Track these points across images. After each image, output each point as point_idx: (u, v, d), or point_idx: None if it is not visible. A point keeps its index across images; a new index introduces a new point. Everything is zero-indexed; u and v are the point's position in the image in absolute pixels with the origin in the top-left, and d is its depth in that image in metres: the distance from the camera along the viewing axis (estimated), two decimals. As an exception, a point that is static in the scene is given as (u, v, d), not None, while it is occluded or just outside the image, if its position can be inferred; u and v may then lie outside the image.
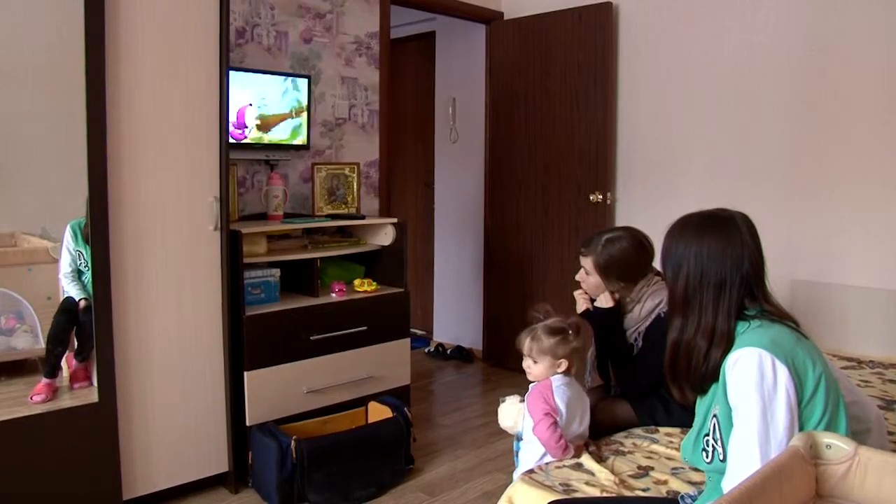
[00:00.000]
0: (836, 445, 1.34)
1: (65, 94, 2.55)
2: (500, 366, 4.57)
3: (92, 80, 2.35)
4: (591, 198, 4.08)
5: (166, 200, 2.59)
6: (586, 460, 2.00)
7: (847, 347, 3.17)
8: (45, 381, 2.49)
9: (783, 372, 1.38)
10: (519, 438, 2.21)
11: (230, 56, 2.80)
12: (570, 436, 2.09)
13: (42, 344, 2.60)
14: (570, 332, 2.15)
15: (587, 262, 2.38)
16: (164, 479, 2.66)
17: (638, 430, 2.27)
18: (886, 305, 3.12)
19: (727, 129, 3.65)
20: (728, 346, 1.46)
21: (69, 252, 2.57)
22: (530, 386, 2.18)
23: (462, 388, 4.27)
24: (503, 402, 2.26)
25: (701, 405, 1.57)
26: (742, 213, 1.56)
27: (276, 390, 2.89)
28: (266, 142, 3.28)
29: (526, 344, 2.16)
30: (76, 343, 2.62)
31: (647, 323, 2.34)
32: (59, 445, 2.37)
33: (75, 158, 2.38)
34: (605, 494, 1.81)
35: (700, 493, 1.67)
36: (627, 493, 1.83)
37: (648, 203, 3.94)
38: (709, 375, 1.49)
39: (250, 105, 3.19)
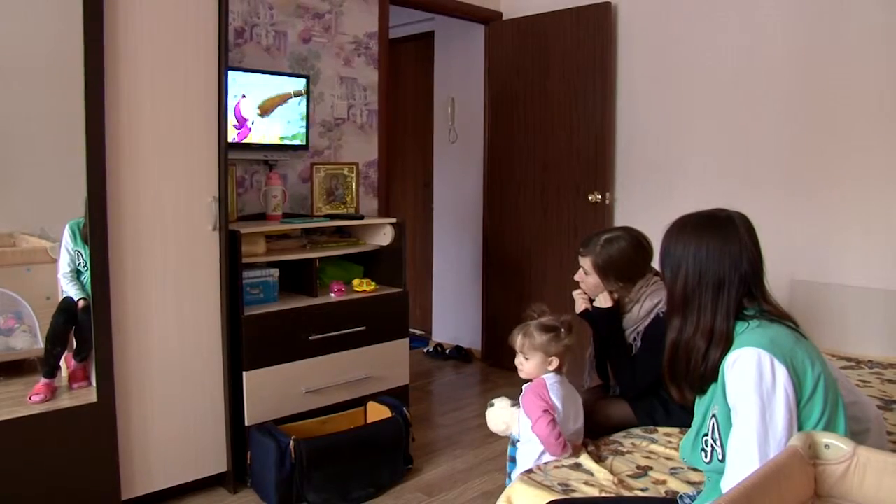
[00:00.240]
0: (834, 445, 1.34)
1: (63, 94, 2.55)
2: (498, 366, 4.57)
3: (91, 80, 2.34)
4: (590, 198, 4.08)
5: (165, 201, 2.58)
6: (585, 460, 2.00)
7: (846, 347, 3.17)
8: (43, 381, 2.49)
9: (782, 372, 1.38)
10: (514, 442, 2.21)
11: (229, 56, 2.79)
12: (567, 433, 2.09)
13: (41, 344, 2.60)
14: (563, 329, 2.15)
15: (586, 263, 2.39)
16: (163, 478, 2.66)
17: (637, 430, 2.27)
18: (885, 305, 3.12)
19: (726, 128, 3.65)
20: (727, 346, 1.46)
21: (68, 252, 2.57)
22: (524, 387, 2.18)
23: (461, 388, 4.27)
24: (492, 405, 2.27)
25: (700, 405, 1.58)
26: (741, 213, 1.56)
27: (274, 390, 2.89)
28: (266, 142, 3.28)
29: (518, 340, 2.17)
30: (75, 343, 2.61)
31: (646, 323, 2.34)
32: (57, 445, 2.36)
33: (74, 158, 2.38)
34: (603, 494, 1.81)
35: (699, 493, 1.67)
36: (626, 493, 1.83)
37: (647, 203, 3.94)
38: (708, 375, 1.49)
39: (244, 97, 3.17)
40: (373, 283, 3.31)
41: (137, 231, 2.52)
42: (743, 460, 1.38)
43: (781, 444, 1.36)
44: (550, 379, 2.14)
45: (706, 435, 1.52)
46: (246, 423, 2.81)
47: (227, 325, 2.75)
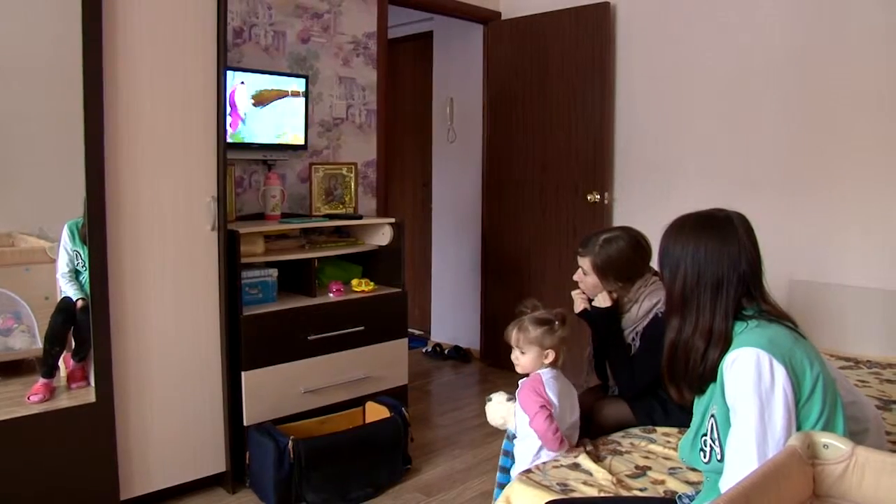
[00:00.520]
0: (833, 445, 1.34)
1: (62, 94, 2.55)
2: (497, 365, 4.57)
3: (89, 79, 2.34)
4: (589, 198, 4.08)
5: (164, 201, 2.58)
6: (584, 460, 2.00)
7: (844, 347, 3.17)
8: (42, 381, 2.49)
9: (781, 372, 1.38)
10: (510, 437, 2.22)
11: (227, 56, 2.79)
12: (564, 428, 2.10)
13: (39, 344, 2.60)
14: (556, 321, 2.16)
15: (585, 263, 2.39)
16: (162, 479, 2.65)
17: (635, 430, 2.27)
18: (884, 305, 3.12)
19: (725, 128, 3.65)
20: (726, 346, 1.46)
21: (67, 252, 2.56)
22: (520, 382, 2.18)
23: (459, 388, 4.27)
24: (490, 400, 2.28)
25: (699, 405, 1.58)
26: (739, 213, 1.56)
27: (273, 390, 2.89)
28: (258, 139, 3.27)
29: (514, 335, 2.17)
30: (73, 343, 2.61)
31: (645, 323, 2.34)
32: (56, 445, 2.36)
33: (73, 158, 2.38)
34: (602, 494, 1.81)
35: (697, 493, 1.67)
36: (625, 493, 1.83)
37: (646, 203, 3.94)
38: (706, 375, 1.49)
39: (242, 83, 3.16)
40: (371, 283, 3.31)
41: (136, 231, 2.52)
42: (741, 460, 1.38)
43: (780, 443, 1.36)
44: (546, 374, 2.15)
45: (705, 435, 1.52)
46: (245, 423, 2.81)
47: (226, 325, 2.75)
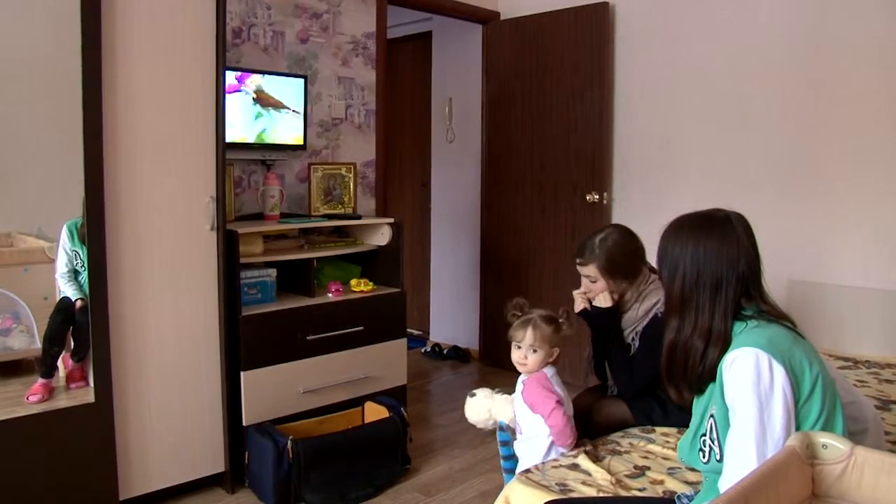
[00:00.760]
0: (832, 445, 1.34)
1: (61, 94, 2.54)
2: (496, 365, 4.57)
3: (88, 79, 2.34)
4: (588, 198, 4.08)
5: (163, 200, 2.58)
6: (583, 460, 2.00)
7: (843, 347, 3.17)
8: (41, 381, 2.49)
9: (780, 372, 1.38)
10: (503, 427, 2.23)
11: (226, 56, 2.79)
12: None
13: (38, 344, 2.59)
14: (562, 319, 2.17)
15: (590, 270, 2.34)
16: (161, 479, 2.65)
17: (635, 430, 2.27)
18: (883, 305, 3.13)
19: (724, 128, 3.65)
20: (725, 346, 1.46)
21: (66, 252, 2.56)
22: (521, 381, 2.17)
23: (458, 388, 4.26)
24: (472, 396, 2.26)
25: (698, 405, 1.58)
26: (738, 213, 1.56)
27: (272, 390, 2.89)
28: (264, 141, 3.27)
29: (529, 334, 2.12)
30: (72, 343, 2.61)
31: (644, 323, 2.34)
32: (55, 446, 2.36)
33: (72, 158, 2.38)
34: (601, 494, 1.81)
35: (696, 493, 1.67)
36: (624, 493, 1.83)
37: (645, 203, 3.94)
38: (706, 375, 1.49)
39: (242, 83, 3.17)
40: (370, 283, 3.30)
41: (135, 231, 2.52)
42: (741, 460, 1.38)
43: (779, 443, 1.36)
44: (549, 371, 2.16)
45: (704, 435, 1.52)
46: (244, 423, 2.81)
47: (225, 325, 2.75)
